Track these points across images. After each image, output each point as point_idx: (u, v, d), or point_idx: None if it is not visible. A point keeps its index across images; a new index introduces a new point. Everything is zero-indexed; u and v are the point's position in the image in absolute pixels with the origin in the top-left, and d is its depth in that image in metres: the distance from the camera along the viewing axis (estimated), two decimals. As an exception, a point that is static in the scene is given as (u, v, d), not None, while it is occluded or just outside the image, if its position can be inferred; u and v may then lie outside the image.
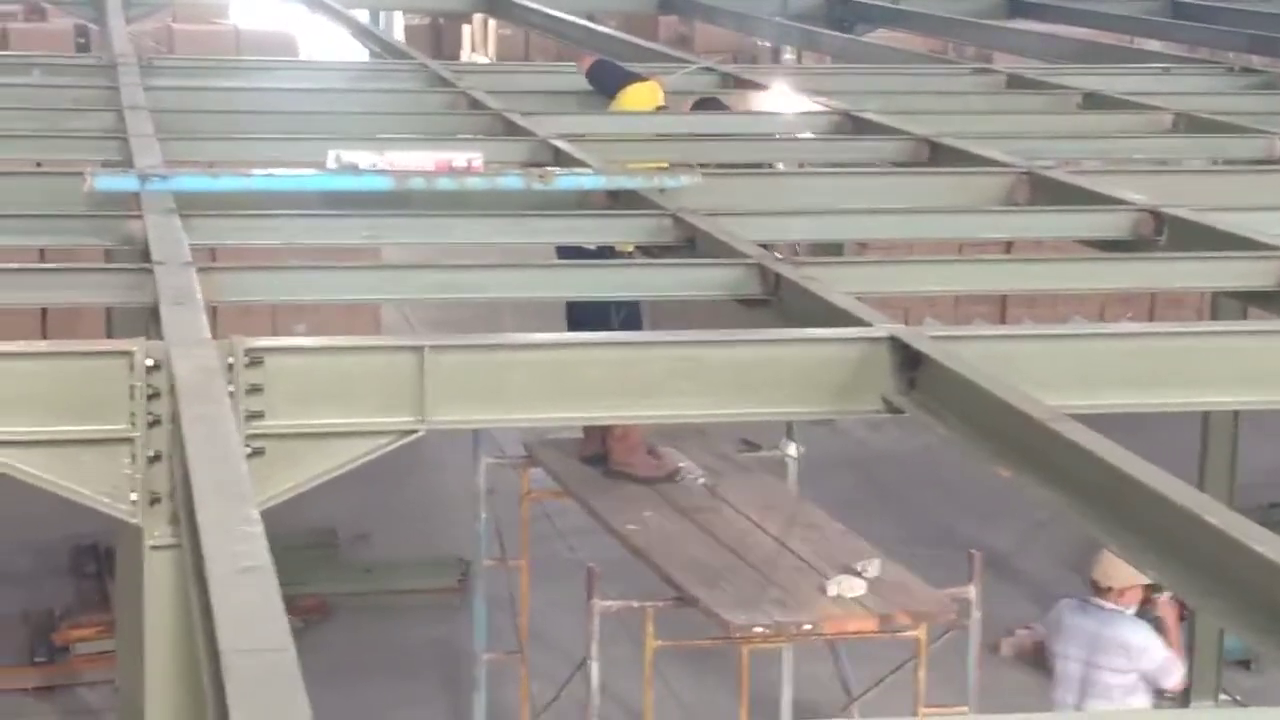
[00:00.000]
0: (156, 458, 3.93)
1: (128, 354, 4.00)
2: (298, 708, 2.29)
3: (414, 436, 4.33)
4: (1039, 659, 11.18)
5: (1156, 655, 8.83)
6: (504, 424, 4.94)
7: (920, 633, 7.75)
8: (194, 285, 4.79)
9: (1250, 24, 16.24)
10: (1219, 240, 6.13)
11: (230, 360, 4.07)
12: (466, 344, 4.52)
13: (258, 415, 4.09)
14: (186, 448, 3.44)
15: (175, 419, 3.77)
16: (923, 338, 4.52)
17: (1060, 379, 4.59)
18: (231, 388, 3.99)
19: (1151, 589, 8.61)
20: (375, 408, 4.27)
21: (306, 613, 11.01)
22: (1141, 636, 8.83)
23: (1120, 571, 8.37)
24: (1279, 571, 3.07)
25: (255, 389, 4.10)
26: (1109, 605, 8.74)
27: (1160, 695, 8.95)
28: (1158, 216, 6.50)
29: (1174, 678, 8.96)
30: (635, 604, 7.84)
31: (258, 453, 3.98)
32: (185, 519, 3.37)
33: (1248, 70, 12.14)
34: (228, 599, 2.64)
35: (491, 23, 20.66)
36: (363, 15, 18.36)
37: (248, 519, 3.00)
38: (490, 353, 4.56)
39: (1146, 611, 8.94)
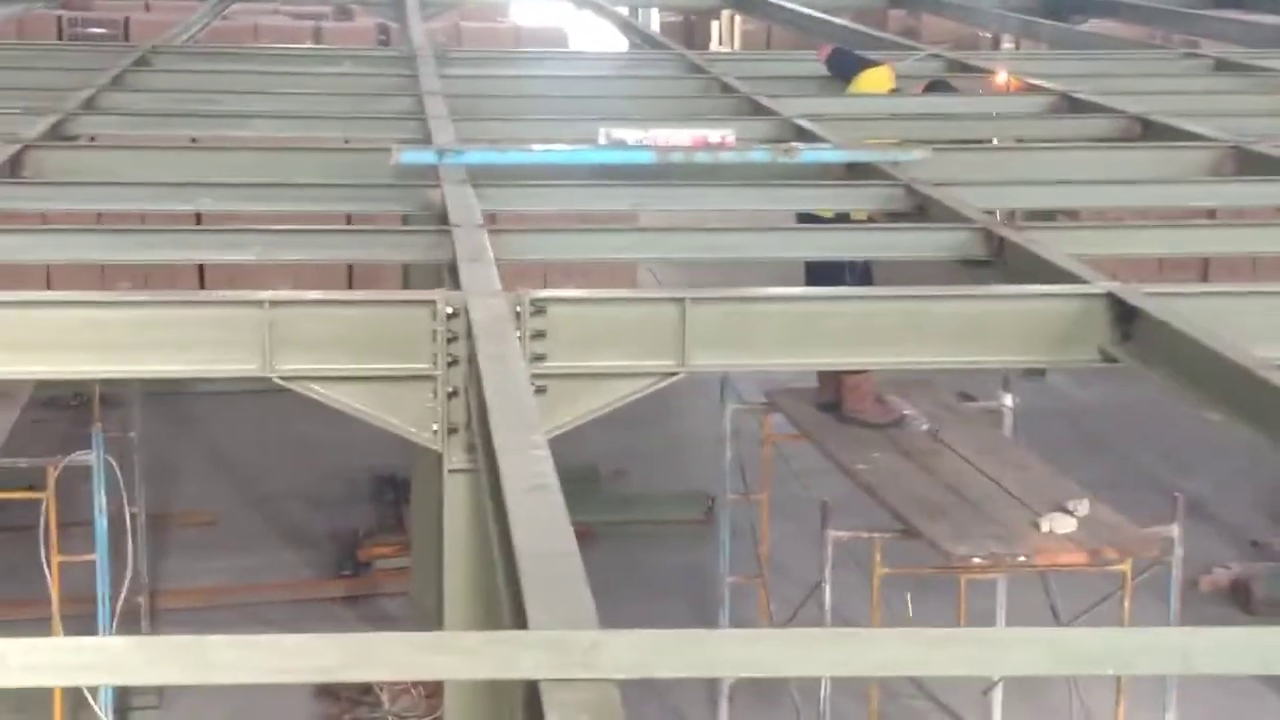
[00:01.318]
0: (454, 393, 4.08)
1: (431, 303, 4.17)
2: (583, 602, 2.38)
3: (675, 378, 4.42)
4: (1236, 596, 10.99)
5: None
6: (752, 369, 5.03)
7: (1126, 567, 7.66)
8: (486, 244, 4.93)
9: None
10: None
11: (518, 309, 4.19)
12: (721, 296, 4.59)
13: (541, 357, 4.21)
14: (483, 384, 3.56)
15: (472, 359, 3.90)
16: (1138, 294, 4.49)
17: (1264, 331, 4.51)
18: (519, 333, 4.12)
19: None
20: (642, 352, 4.37)
21: (577, 532, 11.26)
22: None
23: None
24: None
25: (539, 334, 4.23)
26: None
27: None
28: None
29: None
30: (865, 535, 7.85)
31: (541, 390, 4.09)
32: (482, 445, 3.48)
33: None
34: (522, 511, 2.74)
35: (738, 17, 20.69)
36: (624, 11, 18.57)
37: (537, 445, 3.11)
38: (742, 304, 4.63)
39: None
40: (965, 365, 4.85)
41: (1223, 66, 10.95)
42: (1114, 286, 4.55)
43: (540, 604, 2.36)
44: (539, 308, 4.24)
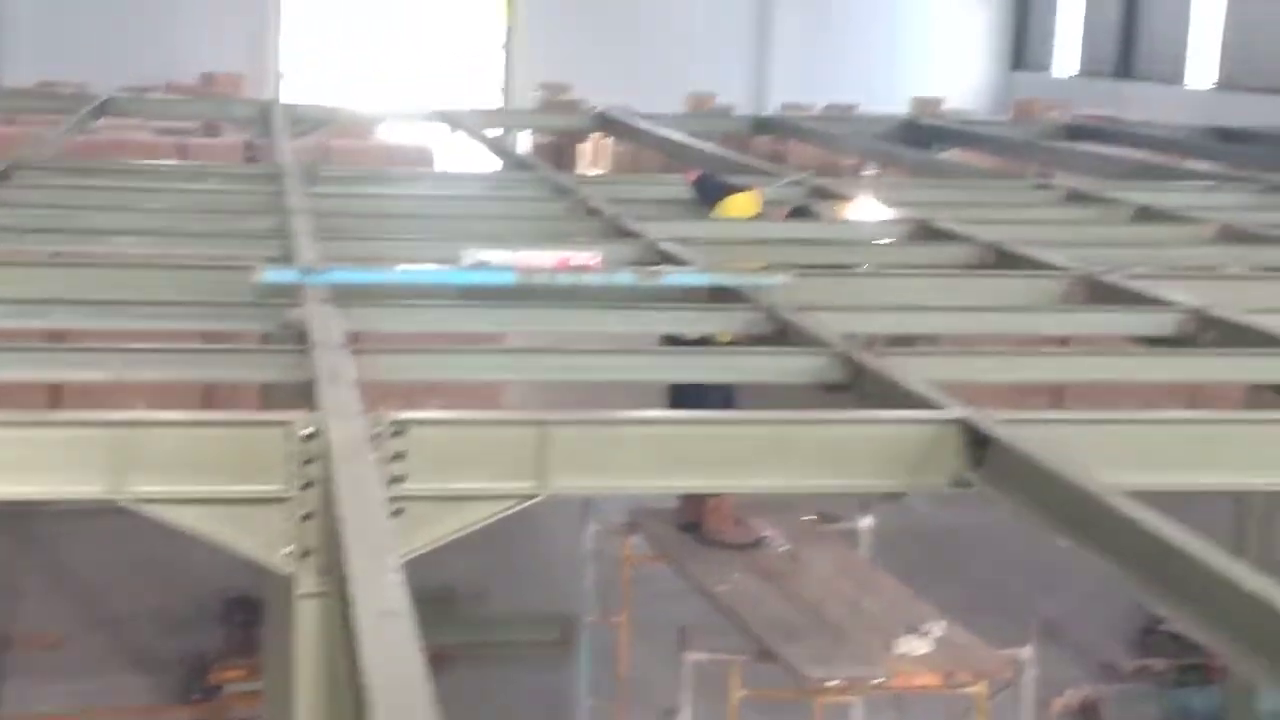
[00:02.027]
0: (308, 516, 3.99)
1: (286, 424, 4.09)
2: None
3: (535, 500, 4.37)
4: (1087, 717, 11.05)
5: None
6: (612, 490, 4.95)
7: (979, 689, 7.69)
8: (347, 365, 4.87)
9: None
10: (1256, 339, 6.12)
11: (377, 430, 4.13)
12: (583, 419, 4.56)
13: (399, 479, 4.15)
14: (338, 507, 3.50)
15: (327, 481, 3.83)
16: (990, 420, 4.53)
17: (1113, 459, 4.56)
18: (377, 454, 4.05)
19: None
20: (501, 474, 4.32)
21: (433, 659, 11.02)
22: None
23: None
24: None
25: (398, 456, 4.17)
26: None
27: None
28: (1201, 317, 6.49)
29: None
30: (723, 657, 7.83)
31: (398, 512, 4.03)
32: (335, 570, 3.41)
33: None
34: (373, 638, 2.68)
35: (606, 140, 20.84)
36: (495, 133, 18.65)
37: (389, 570, 3.05)
38: (602, 427, 4.60)
39: None
40: (822, 489, 4.84)
41: (1074, 197, 11.19)
42: (967, 413, 4.59)
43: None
44: (398, 429, 4.18)
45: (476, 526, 4.29)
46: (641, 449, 4.59)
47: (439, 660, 11.18)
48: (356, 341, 5.56)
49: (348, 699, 2.66)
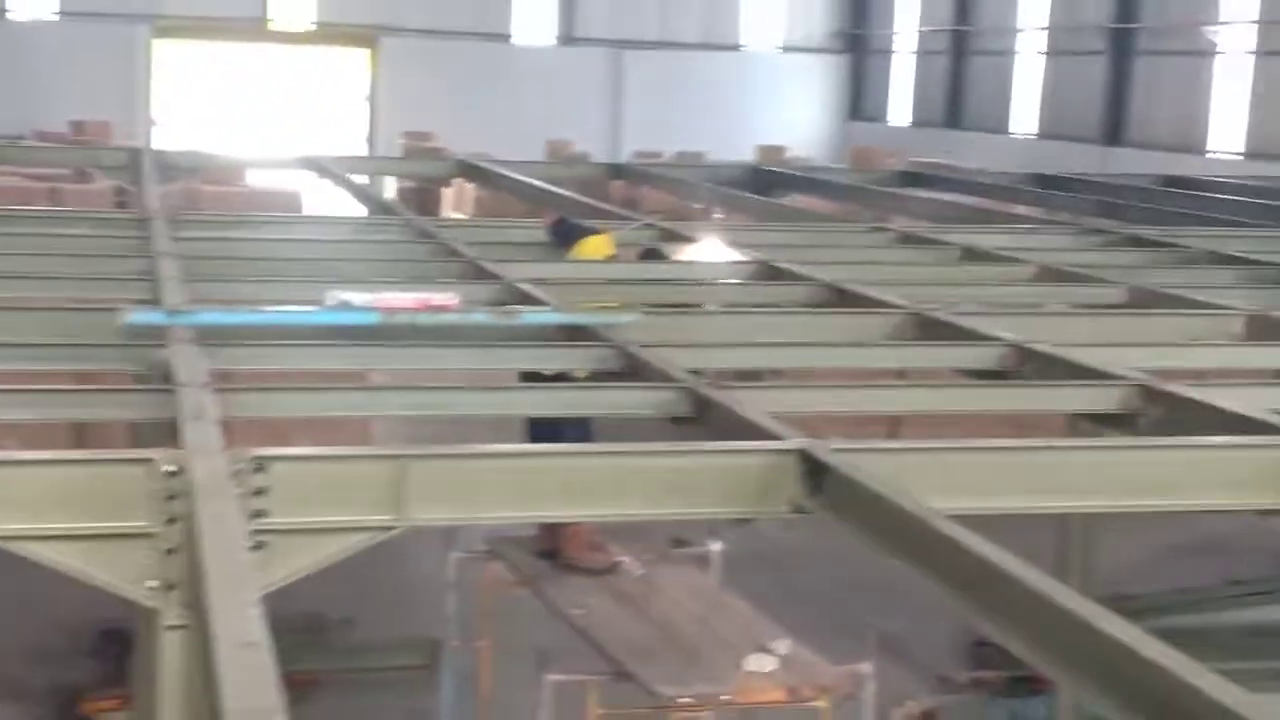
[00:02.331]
0: (172, 550, 3.91)
1: (150, 461, 4.01)
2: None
3: (393, 533, 4.32)
4: (931, 728, 11.17)
5: None
6: (470, 521, 4.92)
7: (822, 702, 7.73)
8: (209, 403, 4.79)
9: (1099, 193, 16.62)
10: (1074, 371, 6.22)
11: (239, 467, 4.07)
12: (439, 453, 4.52)
13: (261, 513, 4.08)
14: (200, 541, 3.44)
15: (190, 517, 3.76)
16: (826, 450, 4.55)
17: (942, 485, 4.61)
18: (239, 490, 3.99)
19: None
20: (361, 507, 4.27)
21: (297, 686, 10.89)
22: None
23: None
24: (1125, 649, 3.09)
25: (260, 491, 4.10)
26: None
27: None
28: (1022, 351, 6.59)
29: None
30: (581, 678, 7.79)
31: (260, 546, 3.97)
32: (196, 602, 3.35)
33: (1097, 231, 12.35)
34: (231, 669, 2.63)
35: (469, 185, 20.78)
36: (361, 179, 18.56)
37: (249, 603, 3.00)
38: (459, 461, 4.56)
39: None
40: (671, 516, 4.86)
41: (906, 239, 11.34)
42: (805, 443, 4.61)
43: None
44: (260, 465, 4.11)
45: (336, 559, 4.23)
46: (498, 481, 4.56)
47: (309, 685, 11.12)
48: (221, 380, 5.47)
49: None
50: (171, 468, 3.97)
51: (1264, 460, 4.92)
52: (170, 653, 3.77)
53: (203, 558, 3.30)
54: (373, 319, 6.44)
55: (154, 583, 3.92)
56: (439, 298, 6.88)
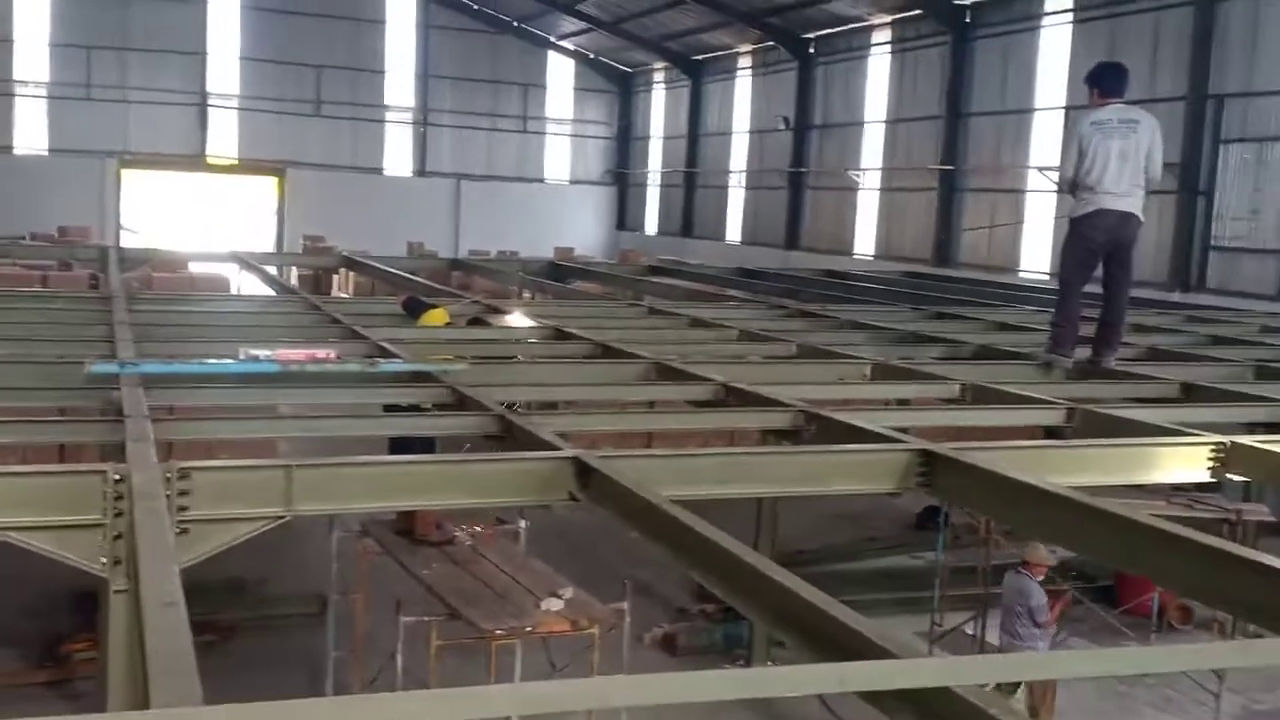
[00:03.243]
0: (118, 536, 3.78)
1: (103, 472, 3.87)
2: (194, 688, 2.20)
3: (282, 520, 4.20)
4: (667, 646, 11.22)
5: (1039, 600, 9.65)
6: (340, 512, 4.80)
7: (595, 630, 7.74)
8: (149, 430, 4.62)
9: (782, 281, 17.03)
10: (761, 401, 6.34)
11: (169, 475, 3.93)
12: (314, 463, 4.40)
13: (185, 509, 3.95)
14: (136, 529, 3.31)
15: (131, 512, 3.62)
16: (593, 457, 4.57)
17: (674, 479, 4.62)
18: (169, 492, 3.86)
19: (1051, 568, 9.96)
20: (258, 503, 4.15)
21: (223, 631, 10.66)
22: (1035, 589, 9.66)
23: (1036, 554, 9.63)
24: (784, 589, 3.15)
25: (185, 493, 3.97)
26: (1025, 572, 9.66)
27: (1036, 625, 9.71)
28: (729, 388, 6.70)
29: (1043, 616, 9.70)
30: (426, 619, 7.70)
31: (185, 531, 3.86)
32: (134, 573, 3.22)
33: (780, 306, 12.64)
34: (154, 621, 2.53)
35: (351, 273, 20.47)
36: (271, 269, 18.21)
37: (171, 574, 2.89)
38: (336, 468, 4.46)
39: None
40: (486, 504, 4.82)
41: (653, 311, 11.47)
42: (578, 452, 4.63)
43: (161, 690, 2.17)
44: (184, 473, 3.98)
45: (242, 540, 4.11)
46: (362, 481, 4.48)
47: (232, 630, 10.78)
48: (162, 413, 5.29)
49: (140, 667, 2.50)
50: (118, 476, 3.84)
51: (885, 460, 5.06)
52: (116, 611, 3.62)
53: (138, 541, 3.18)
54: (274, 368, 6.30)
55: (105, 559, 3.79)
56: (322, 352, 6.76)
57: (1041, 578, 9.73)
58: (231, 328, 8.83)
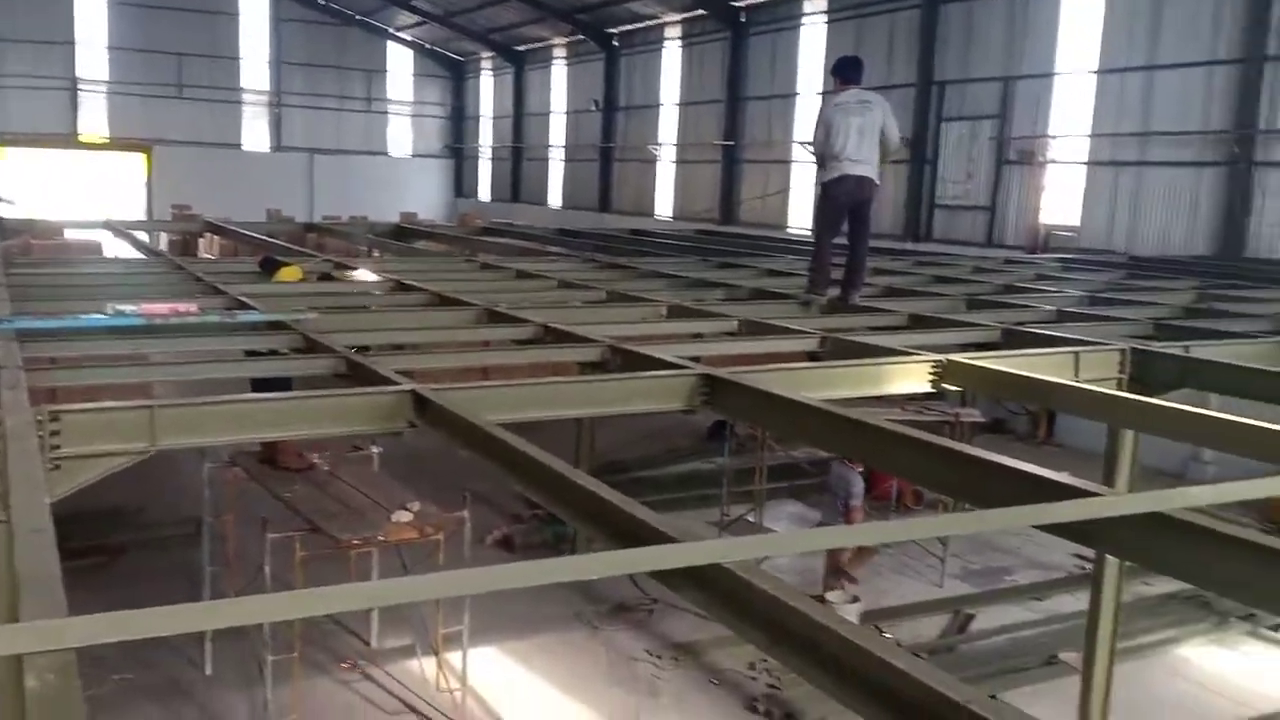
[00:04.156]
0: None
1: (-20, 416, 3.57)
2: (59, 603, 2.07)
3: (148, 454, 3.98)
4: (506, 545, 11.20)
5: (858, 488, 9.81)
6: (202, 445, 4.53)
7: (440, 537, 7.65)
8: (22, 379, 4.30)
9: (596, 239, 16.98)
10: (575, 339, 6.31)
11: (40, 418, 3.67)
12: (182, 403, 4.20)
13: (57, 447, 3.69)
14: (10, 466, 3.08)
15: (5, 452, 3.36)
16: (427, 389, 4.48)
17: (499, 407, 4.58)
18: (41, 433, 3.60)
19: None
20: (125, 439, 3.92)
21: (109, 552, 10.15)
22: (856, 479, 9.76)
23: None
24: (588, 493, 3.16)
25: (56, 433, 3.72)
26: (848, 464, 9.67)
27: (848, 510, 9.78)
28: (549, 329, 6.66)
29: (858, 501, 9.83)
30: (290, 534, 7.45)
31: (57, 467, 3.61)
32: (8, 505, 3.01)
33: (593, 260, 12.62)
34: (24, 547, 2.37)
35: (215, 238, 19.44)
36: (142, 235, 17.17)
37: (41, 504, 2.71)
38: (198, 407, 4.24)
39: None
40: (337, 434, 4.66)
41: (485, 266, 11.29)
42: (415, 386, 4.53)
43: (29, 605, 2.04)
44: (55, 416, 3.72)
45: (111, 473, 3.88)
46: (220, 417, 4.28)
47: (118, 551, 10.24)
48: (35, 364, 4.93)
49: (10, 581, 2.34)
50: None
51: (675, 383, 5.12)
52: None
53: (10, 477, 2.96)
54: (140, 321, 5.94)
55: None
56: (184, 305, 6.41)
57: (862, 468, 9.83)
58: (103, 287, 8.26)
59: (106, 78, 34.36)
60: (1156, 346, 6.07)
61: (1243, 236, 15.68)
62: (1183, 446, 13.45)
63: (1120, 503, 2.97)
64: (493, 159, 39.33)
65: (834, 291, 8.48)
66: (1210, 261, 14.25)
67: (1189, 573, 2.95)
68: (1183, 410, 4.59)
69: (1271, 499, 12.44)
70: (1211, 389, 5.73)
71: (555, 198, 35.15)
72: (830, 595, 9.43)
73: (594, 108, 32.34)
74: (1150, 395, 5.30)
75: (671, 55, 29.23)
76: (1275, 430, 4.08)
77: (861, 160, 8.09)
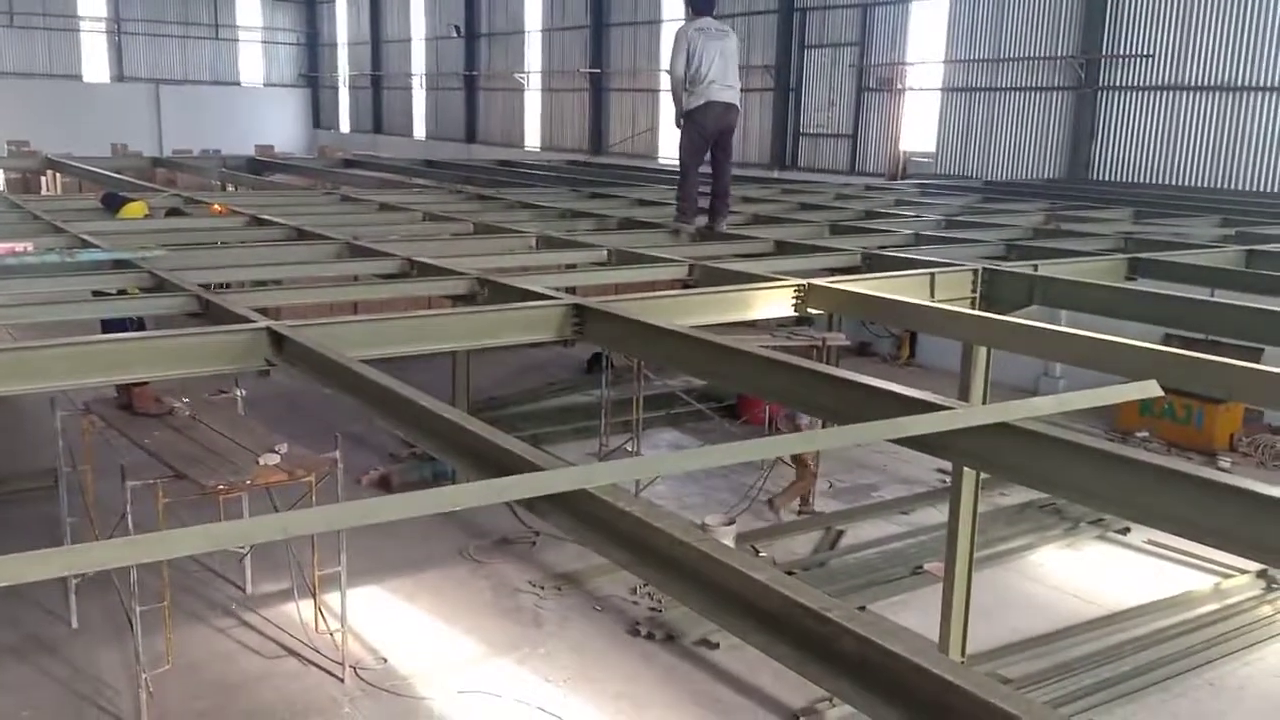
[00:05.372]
0: None
1: None
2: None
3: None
4: (383, 486, 11.03)
5: None
6: (41, 390, 4.23)
7: (311, 479, 7.47)
8: None
9: (462, 170, 16.61)
10: (441, 272, 6.14)
11: None
12: (11, 347, 3.94)
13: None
14: None
15: None
16: (284, 326, 4.32)
17: (361, 342, 4.42)
18: None
19: None
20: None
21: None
22: None
23: None
24: (460, 428, 3.10)
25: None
26: None
27: None
28: (413, 262, 6.48)
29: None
30: (151, 481, 7.15)
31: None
32: None
33: (459, 191, 12.34)
34: None
35: (58, 175, 18.29)
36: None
37: None
38: (30, 351, 3.98)
39: None
40: (189, 375, 4.39)
41: (345, 199, 10.94)
42: (270, 323, 4.35)
43: None
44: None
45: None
46: (63, 360, 4.02)
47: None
48: None
49: None
50: None
51: (545, 314, 4.99)
52: None
53: None
54: (-30, 263, 5.56)
55: None
56: (19, 245, 6.01)
57: None
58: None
59: (-78, 3, 31.67)
60: (1007, 266, 6.30)
61: (1088, 160, 16.39)
62: (1037, 363, 14.15)
63: (970, 414, 3.09)
64: (352, 88, 37.91)
65: (701, 220, 8.51)
66: (1058, 185, 14.87)
67: (1035, 478, 3.09)
68: (1030, 326, 4.80)
69: (1119, 408, 13.25)
70: (1058, 305, 5.99)
71: (420, 129, 34.19)
72: (708, 519, 9.64)
73: (455, 34, 31.40)
74: (1002, 313, 5.52)
75: (535, -20, 28.59)
76: (1114, 343, 4.30)
77: (727, 85, 8.09)
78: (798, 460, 10.80)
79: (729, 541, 9.15)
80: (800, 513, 10.88)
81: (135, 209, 8.59)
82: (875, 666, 1.82)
